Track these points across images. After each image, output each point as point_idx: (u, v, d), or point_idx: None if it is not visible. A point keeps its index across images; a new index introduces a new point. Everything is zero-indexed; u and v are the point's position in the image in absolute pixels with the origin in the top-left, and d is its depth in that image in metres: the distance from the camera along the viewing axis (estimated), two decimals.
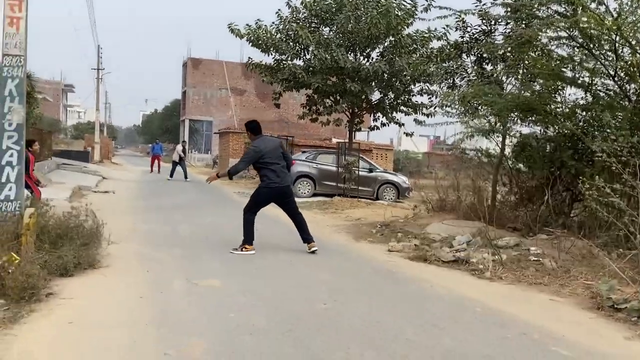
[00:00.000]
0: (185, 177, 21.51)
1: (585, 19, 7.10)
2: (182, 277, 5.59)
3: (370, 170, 16.71)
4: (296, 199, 7.87)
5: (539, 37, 8.10)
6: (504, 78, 9.80)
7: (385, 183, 16.60)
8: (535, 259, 6.89)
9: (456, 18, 9.88)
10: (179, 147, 22.75)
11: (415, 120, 16.67)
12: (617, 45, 7.34)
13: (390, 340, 4.01)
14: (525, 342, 4.16)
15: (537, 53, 8.58)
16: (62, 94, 76.76)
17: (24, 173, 6.16)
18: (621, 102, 7.87)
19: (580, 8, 7.37)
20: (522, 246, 7.46)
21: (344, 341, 3.91)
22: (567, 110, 8.48)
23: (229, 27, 16.35)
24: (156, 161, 28.11)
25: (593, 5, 7.36)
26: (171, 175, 21.86)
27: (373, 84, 16.31)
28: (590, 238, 7.04)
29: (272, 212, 8.51)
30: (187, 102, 49.90)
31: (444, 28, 13.84)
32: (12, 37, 6.14)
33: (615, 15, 7.23)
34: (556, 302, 5.36)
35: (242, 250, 6.97)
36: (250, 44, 16.51)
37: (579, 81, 8.30)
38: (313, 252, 7.19)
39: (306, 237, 7.33)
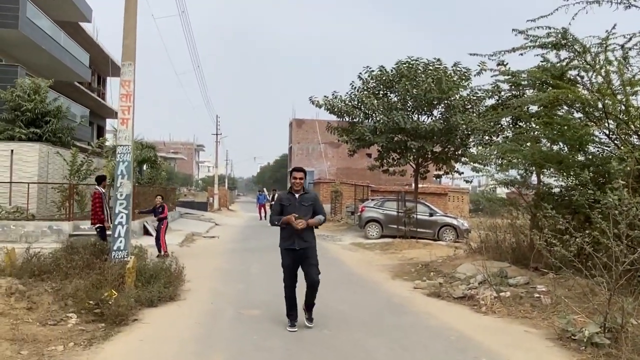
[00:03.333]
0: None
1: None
2: (234, 307, 6.65)
3: (431, 214, 17.07)
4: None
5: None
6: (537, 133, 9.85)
7: (444, 225, 16.87)
8: (538, 295, 7.21)
9: (492, 85, 10.40)
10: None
11: (472, 169, 16.91)
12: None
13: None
14: None
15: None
16: (194, 152, 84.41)
17: (130, 229, 7.66)
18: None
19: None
20: (531, 284, 7.75)
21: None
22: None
23: (310, 99, 17.78)
24: (262, 209, 28.80)
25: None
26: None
27: (433, 139, 16.92)
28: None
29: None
30: (292, 155, 53.14)
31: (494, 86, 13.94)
32: (123, 132, 7.78)
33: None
34: (529, 333, 5.74)
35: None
36: (328, 111, 17.86)
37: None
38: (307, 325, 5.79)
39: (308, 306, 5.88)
